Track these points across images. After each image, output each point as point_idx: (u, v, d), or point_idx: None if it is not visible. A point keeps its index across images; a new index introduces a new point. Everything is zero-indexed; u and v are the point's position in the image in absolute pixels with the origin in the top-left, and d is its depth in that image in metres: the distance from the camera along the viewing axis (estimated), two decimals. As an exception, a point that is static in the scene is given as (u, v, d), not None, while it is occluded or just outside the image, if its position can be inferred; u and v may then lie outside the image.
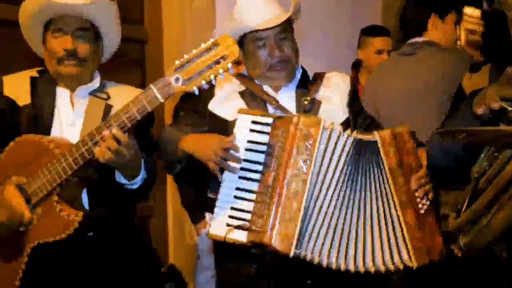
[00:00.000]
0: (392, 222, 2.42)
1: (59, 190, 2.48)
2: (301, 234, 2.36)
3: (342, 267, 2.36)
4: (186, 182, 3.02)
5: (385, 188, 2.44)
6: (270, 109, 2.64)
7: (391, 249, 2.42)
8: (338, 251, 2.38)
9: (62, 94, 2.69)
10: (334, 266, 2.37)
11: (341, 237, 2.38)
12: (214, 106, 2.67)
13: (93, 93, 2.70)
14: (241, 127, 2.47)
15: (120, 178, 2.54)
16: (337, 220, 2.40)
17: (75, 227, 2.42)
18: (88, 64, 2.68)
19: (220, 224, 2.43)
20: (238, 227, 2.38)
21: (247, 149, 2.46)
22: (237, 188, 2.44)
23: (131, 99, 2.35)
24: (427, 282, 2.81)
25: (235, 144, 2.42)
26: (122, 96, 2.63)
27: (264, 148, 2.43)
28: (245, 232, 2.38)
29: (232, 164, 2.42)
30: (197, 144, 2.52)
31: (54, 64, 2.65)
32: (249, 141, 2.46)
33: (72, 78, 2.66)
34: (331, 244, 2.39)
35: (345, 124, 2.62)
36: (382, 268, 2.39)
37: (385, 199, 2.44)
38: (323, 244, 2.37)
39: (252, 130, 2.46)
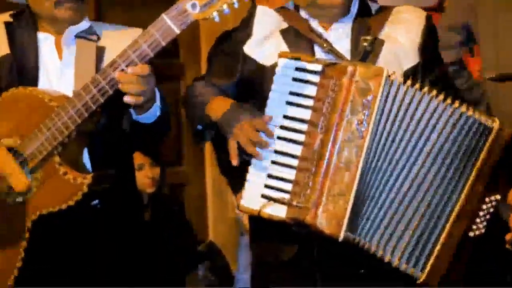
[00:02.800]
0: (437, 224, 2.37)
1: (61, 150, 2.46)
2: (354, 213, 2.31)
3: (386, 259, 2.36)
4: (222, 144, 2.83)
5: (455, 184, 2.37)
6: (319, 53, 2.53)
7: (414, 250, 2.37)
8: (390, 239, 2.36)
9: (45, 40, 2.66)
10: (380, 254, 2.36)
11: (396, 225, 2.35)
12: (251, 48, 2.57)
13: (80, 36, 2.67)
14: (281, 75, 2.39)
15: (134, 114, 2.54)
16: (392, 202, 2.35)
17: (84, 191, 2.42)
18: (84, 6, 2.68)
19: (254, 195, 2.37)
20: (275, 200, 2.32)
21: (288, 103, 2.37)
22: (276, 151, 2.36)
23: (139, 35, 2.35)
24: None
25: (270, 130, 2.35)
26: (114, 36, 2.67)
27: (310, 102, 2.35)
28: (285, 207, 2.33)
29: (261, 151, 2.36)
30: (227, 116, 2.45)
31: (48, 6, 2.60)
32: (291, 93, 2.37)
33: (64, 22, 2.64)
34: (385, 230, 2.36)
35: (412, 71, 2.53)
36: (395, 263, 2.36)
37: (446, 195, 2.37)
38: (378, 227, 2.35)
39: (295, 79, 2.37)
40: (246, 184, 2.40)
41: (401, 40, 2.57)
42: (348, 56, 2.51)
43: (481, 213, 2.41)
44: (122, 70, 2.35)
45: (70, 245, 2.60)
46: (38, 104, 2.48)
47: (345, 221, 2.31)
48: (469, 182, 2.38)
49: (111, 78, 2.37)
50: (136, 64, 2.35)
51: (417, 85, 2.35)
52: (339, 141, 2.32)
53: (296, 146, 2.37)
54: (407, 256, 2.37)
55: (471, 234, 2.42)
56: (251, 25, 2.60)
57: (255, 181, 2.40)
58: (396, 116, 2.34)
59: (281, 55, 2.43)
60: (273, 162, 2.37)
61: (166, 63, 4.83)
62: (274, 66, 2.44)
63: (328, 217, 2.31)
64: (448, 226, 2.38)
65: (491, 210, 2.42)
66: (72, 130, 2.44)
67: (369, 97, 2.31)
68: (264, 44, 2.57)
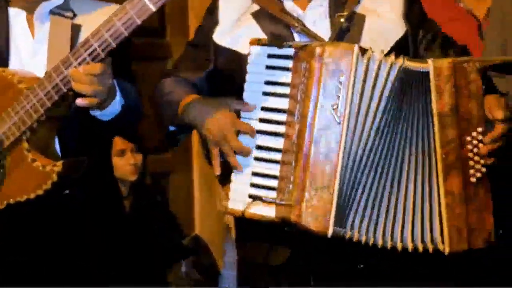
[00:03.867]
0: (430, 189, 2.35)
1: (29, 135, 2.45)
2: (341, 205, 2.31)
3: (379, 242, 2.34)
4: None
5: (428, 141, 2.36)
6: (297, 36, 2.51)
7: (423, 223, 2.36)
8: (376, 224, 2.35)
9: (16, 16, 2.62)
10: (371, 241, 2.34)
11: (379, 206, 2.35)
12: (221, 36, 2.56)
13: (55, 12, 2.62)
14: (254, 64, 2.40)
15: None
16: (377, 185, 2.35)
17: (54, 180, 2.40)
18: None
19: (240, 195, 2.37)
20: (262, 200, 2.33)
21: (265, 93, 2.38)
22: (258, 147, 2.37)
23: (113, 12, 2.31)
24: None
25: (252, 127, 2.36)
26: (90, 13, 2.62)
27: (287, 90, 2.36)
28: (274, 206, 2.33)
29: (241, 157, 2.37)
30: (202, 114, 2.44)
31: None
32: (267, 82, 2.38)
33: None
34: (371, 216, 2.35)
35: (403, 43, 2.52)
36: (410, 246, 2.34)
37: (426, 158, 2.36)
38: (363, 216, 2.34)
39: (269, 67, 2.38)
40: (232, 185, 2.41)
41: (383, 12, 2.55)
42: (328, 36, 2.51)
43: (470, 155, 2.37)
44: (77, 65, 2.34)
45: (39, 237, 2.59)
46: (6, 86, 2.46)
47: (332, 215, 2.30)
48: (436, 131, 2.36)
49: (84, 58, 2.34)
50: (109, 44, 2.33)
51: (392, 57, 2.33)
52: (315, 130, 2.31)
53: (278, 138, 2.37)
54: (418, 234, 2.36)
55: (473, 179, 2.38)
56: (216, 11, 2.59)
57: (240, 180, 2.40)
58: (371, 94, 2.33)
59: (251, 42, 2.42)
60: (257, 159, 2.37)
61: (151, 43, 4.84)
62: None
63: (314, 213, 2.30)
64: (441, 186, 2.36)
65: (480, 144, 2.37)
66: (41, 114, 2.41)
67: (342, 79, 2.31)
68: (235, 30, 2.56)
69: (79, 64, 2.34)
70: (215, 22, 2.58)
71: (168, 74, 2.68)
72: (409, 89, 2.36)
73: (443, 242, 2.34)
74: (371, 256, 2.41)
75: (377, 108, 2.34)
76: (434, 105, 2.35)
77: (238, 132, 2.38)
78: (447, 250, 2.33)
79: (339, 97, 2.32)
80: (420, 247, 2.35)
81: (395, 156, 2.36)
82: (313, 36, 2.47)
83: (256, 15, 2.56)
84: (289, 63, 2.36)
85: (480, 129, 2.36)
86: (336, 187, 2.31)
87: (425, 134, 2.37)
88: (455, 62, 2.36)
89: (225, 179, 3.00)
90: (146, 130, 4.29)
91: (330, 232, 2.29)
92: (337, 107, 2.32)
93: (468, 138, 2.36)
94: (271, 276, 2.52)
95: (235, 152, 2.38)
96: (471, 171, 2.37)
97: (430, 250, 2.34)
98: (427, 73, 2.34)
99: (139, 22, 2.29)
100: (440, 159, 2.36)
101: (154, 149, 4.75)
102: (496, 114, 2.33)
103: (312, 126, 2.31)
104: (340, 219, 2.32)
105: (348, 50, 2.31)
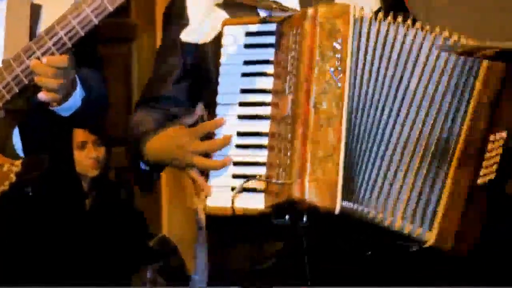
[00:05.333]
0: (438, 173, 2.35)
1: None
2: (347, 176, 2.29)
3: (387, 221, 2.31)
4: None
5: (452, 125, 2.35)
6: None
7: (418, 206, 2.34)
8: (387, 199, 2.33)
9: None
10: (379, 218, 2.32)
11: (393, 179, 2.34)
12: (188, 33, 2.56)
13: None
14: (231, 45, 2.39)
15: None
16: (384, 153, 2.34)
17: (12, 181, 2.42)
18: None
19: (221, 190, 2.33)
20: (248, 189, 2.28)
21: (245, 74, 2.36)
22: (239, 133, 2.33)
23: None
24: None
25: (214, 122, 2.35)
26: None
27: (270, 68, 2.34)
28: (261, 195, 2.28)
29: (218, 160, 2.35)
30: (164, 149, 2.44)
31: None
32: (246, 62, 2.37)
33: None
34: (381, 188, 2.33)
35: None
36: (396, 226, 2.32)
37: (443, 139, 2.36)
38: (373, 188, 2.33)
39: (248, 46, 2.38)
40: (210, 179, 2.37)
41: None
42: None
43: (487, 155, 2.38)
44: (38, 58, 2.34)
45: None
46: None
47: (339, 187, 2.26)
48: (467, 120, 2.37)
49: (48, 48, 2.33)
50: (77, 33, 2.31)
51: (390, 18, 2.35)
52: (313, 95, 2.29)
53: (262, 121, 2.35)
54: (410, 215, 2.35)
55: (480, 181, 2.38)
56: (184, 11, 2.59)
57: (220, 173, 2.35)
58: (373, 56, 2.35)
59: (225, 22, 2.42)
60: (238, 146, 2.34)
61: (115, 24, 4.90)
62: (217, 38, 2.46)
63: (319, 187, 2.25)
64: (451, 173, 2.37)
65: (499, 150, 2.41)
66: (-2, 109, 2.45)
67: (339, 39, 2.31)
68: (202, 25, 2.57)
69: (43, 54, 2.33)
70: (185, 24, 2.58)
71: (142, 102, 2.67)
72: (440, 61, 2.35)
73: (430, 229, 2.34)
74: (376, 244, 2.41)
75: (380, 69, 2.35)
76: (475, 95, 2.35)
77: (203, 137, 2.37)
78: (431, 241, 2.32)
79: (338, 58, 2.31)
80: (406, 231, 2.33)
81: (406, 127, 2.36)
82: (292, 10, 2.46)
83: (222, 5, 2.56)
84: (272, 39, 2.35)
85: (504, 134, 2.39)
86: (342, 156, 2.28)
87: (451, 115, 2.38)
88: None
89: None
90: (109, 119, 4.35)
91: (338, 208, 2.25)
92: (337, 69, 2.31)
93: (492, 138, 2.37)
94: (260, 280, 2.46)
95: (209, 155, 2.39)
96: (481, 172, 2.37)
97: (415, 234, 2.33)
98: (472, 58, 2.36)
99: (111, 9, 2.28)
100: (460, 147, 2.35)
101: (119, 141, 4.69)
102: None
103: (309, 91, 2.29)
104: (348, 192, 2.29)
105: (344, 9, 2.32)
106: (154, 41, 5.00)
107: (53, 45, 2.34)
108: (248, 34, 2.41)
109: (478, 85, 2.39)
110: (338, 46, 2.33)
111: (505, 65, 2.40)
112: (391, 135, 2.37)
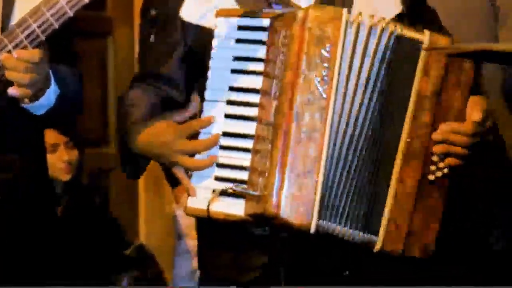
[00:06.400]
0: (384, 173, 2.36)
1: None
2: (325, 194, 2.28)
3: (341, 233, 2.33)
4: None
5: (398, 121, 2.35)
6: (275, 6, 2.49)
7: (367, 210, 2.35)
8: (362, 216, 2.33)
9: None
10: (353, 238, 2.33)
11: (365, 194, 2.34)
12: (189, 11, 2.51)
13: None
14: (222, 38, 2.37)
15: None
16: (363, 169, 2.33)
17: None
18: None
19: (202, 192, 2.33)
20: (228, 194, 2.28)
21: (234, 71, 2.35)
22: (224, 134, 2.33)
23: None
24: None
25: (202, 121, 2.34)
26: None
27: (260, 66, 2.32)
28: (242, 201, 2.29)
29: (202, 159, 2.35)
30: (150, 144, 2.42)
31: None
32: (236, 58, 2.35)
33: None
34: (357, 207, 2.32)
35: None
36: (348, 234, 2.32)
37: (387, 135, 2.36)
38: (350, 207, 2.31)
39: (239, 41, 2.35)
40: (193, 180, 2.35)
41: None
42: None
43: (435, 150, 2.38)
44: (9, 51, 2.32)
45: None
46: None
47: (316, 206, 2.26)
48: (409, 112, 2.35)
49: (20, 41, 2.31)
50: (50, 25, 2.28)
51: (383, 22, 2.32)
52: (297, 105, 2.27)
53: (249, 123, 2.33)
54: (361, 221, 2.36)
55: (431, 177, 2.36)
56: None
57: (203, 174, 2.34)
58: (361, 63, 2.31)
59: (218, 13, 2.40)
60: (223, 147, 2.32)
61: (90, 17, 4.88)
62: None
63: (294, 204, 2.24)
64: (395, 171, 2.36)
65: (457, 142, 2.39)
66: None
67: (328, 47, 2.28)
68: (204, 3, 2.53)
69: (15, 47, 2.31)
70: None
71: (138, 80, 2.62)
72: (401, 62, 2.36)
73: (377, 235, 2.33)
74: (357, 262, 2.40)
75: (367, 81, 2.33)
76: (415, 82, 2.34)
77: (190, 137, 2.36)
78: (378, 246, 2.31)
79: (325, 67, 2.29)
80: (357, 238, 2.33)
81: (382, 136, 2.36)
82: (293, 5, 2.42)
83: None
84: (264, 36, 2.33)
85: (456, 126, 2.37)
86: (321, 171, 2.26)
87: (397, 111, 2.38)
88: (455, 43, 2.38)
89: (176, 180, 2.95)
90: (83, 120, 4.44)
91: (313, 227, 2.24)
92: (323, 79, 2.29)
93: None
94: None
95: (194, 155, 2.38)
96: (432, 167, 2.36)
97: (364, 241, 2.35)
98: (420, 45, 2.37)
99: (86, 0, 2.27)
100: (403, 145, 2.35)
101: (94, 143, 4.80)
102: (474, 114, 2.35)
103: (293, 100, 2.27)
104: (325, 211, 2.29)
105: (336, 14, 2.29)
106: (132, 36, 5.00)
107: (26, 38, 2.32)
108: (241, 28, 2.37)
109: (418, 70, 2.37)
110: (326, 54, 2.30)
111: (448, 45, 2.39)
112: (361, 147, 2.35)
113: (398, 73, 2.37)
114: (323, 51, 2.30)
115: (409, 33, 2.36)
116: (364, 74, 2.34)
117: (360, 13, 2.33)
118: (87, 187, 4.42)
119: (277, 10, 2.42)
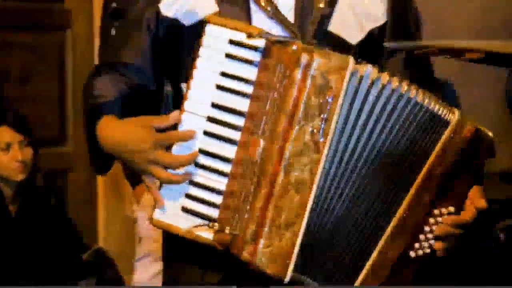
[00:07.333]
0: (367, 242, 2.38)
1: None
2: (304, 248, 2.29)
3: None
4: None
5: (398, 194, 2.36)
6: (256, 15, 2.47)
7: (345, 270, 2.37)
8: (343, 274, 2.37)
9: None
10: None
11: (345, 253, 2.37)
12: (167, 5, 2.49)
13: None
14: (210, 48, 2.33)
15: None
16: (347, 227, 2.35)
17: None
18: None
19: (171, 206, 2.33)
20: (199, 217, 2.29)
21: (219, 87, 2.31)
22: (201, 151, 2.31)
23: None
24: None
25: (183, 134, 2.32)
26: None
27: (249, 89, 2.29)
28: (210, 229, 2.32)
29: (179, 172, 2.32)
30: (122, 145, 2.38)
31: None
32: (223, 74, 2.30)
33: None
34: (338, 264, 2.36)
35: (381, 32, 2.54)
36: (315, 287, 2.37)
37: (385, 208, 2.36)
38: (328, 262, 2.35)
39: (229, 56, 2.31)
40: (162, 191, 2.33)
41: None
42: (291, 16, 2.46)
43: (427, 228, 2.40)
44: None
45: None
46: None
47: (293, 259, 2.27)
48: (413, 190, 2.36)
49: None
50: None
51: (386, 76, 2.29)
52: (287, 154, 2.25)
53: (229, 146, 2.31)
54: (337, 278, 2.39)
55: (412, 254, 2.40)
56: None
57: (174, 187, 2.33)
58: (357, 119, 2.30)
59: (209, 19, 2.34)
60: (198, 165, 2.31)
61: (46, 9, 4.76)
62: (194, 26, 2.41)
63: (272, 254, 2.27)
64: (381, 243, 2.37)
65: (440, 225, 2.42)
66: None
67: (329, 98, 2.25)
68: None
69: None
70: None
71: (102, 68, 2.55)
72: (415, 132, 2.36)
73: None
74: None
75: (362, 135, 2.31)
76: (427, 165, 2.35)
77: (167, 146, 2.31)
78: None
79: (322, 119, 2.26)
80: None
81: (372, 204, 2.36)
82: (286, 23, 2.42)
83: None
84: (257, 57, 2.29)
85: (452, 208, 2.39)
86: (303, 226, 2.26)
87: (400, 184, 2.38)
88: (478, 129, 2.37)
89: (137, 179, 3.09)
90: (39, 116, 4.36)
91: (287, 278, 2.26)
92: (318, 132, 2.26)
93: (436, 211, 2.39)
94: None
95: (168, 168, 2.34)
96: (416, 245, 2.39)
97: None
98: (446, 124, 2.37)
99: None
100: (398, 217, 2.36)
101: (50, 141, 4.76)
102: (479, 201, 2.37)
103: (284, 148, 2.25)
104: (302, 264, 2.30)
105: (342, 64, 2.25)
106: (91, 29, 4.94)
107: None
108: (232, 42, 2.32)
109: (435, 150, 2.35)
110: (325, 106, 2.28)
111: (472, 132, 2.38)
112: (352, 206, 2.34)
113: (413, 144, 2.36)
114: (322, 102, 2.28)
115: (438, 106, 2.35)
116: (358, 128, 2.32)
117: (364, 63, 2.30)
118: (42, 188, 4.35)
119: (276, 35, 2.35)
